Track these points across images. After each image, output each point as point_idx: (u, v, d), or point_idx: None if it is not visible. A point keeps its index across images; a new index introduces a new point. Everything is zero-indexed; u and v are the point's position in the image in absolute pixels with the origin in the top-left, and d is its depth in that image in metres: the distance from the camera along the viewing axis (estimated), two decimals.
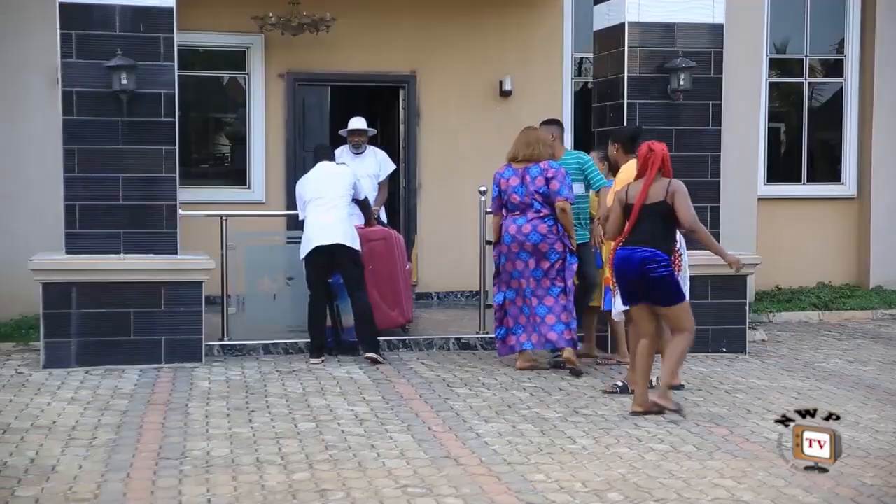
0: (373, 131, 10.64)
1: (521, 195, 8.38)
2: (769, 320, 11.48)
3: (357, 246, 8.88)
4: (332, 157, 9.29)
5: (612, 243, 7.28)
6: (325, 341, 8.95)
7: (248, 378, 8.21)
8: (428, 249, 11.55)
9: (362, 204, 9.23)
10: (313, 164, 9.19)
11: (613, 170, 8.41)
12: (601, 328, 9.20)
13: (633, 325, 7.37)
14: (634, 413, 7.03)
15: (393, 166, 10.64)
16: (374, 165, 10.33)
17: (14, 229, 10.25)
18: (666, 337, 7.26)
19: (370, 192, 10.01)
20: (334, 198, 8.86)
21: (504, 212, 8.53)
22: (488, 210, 8.88)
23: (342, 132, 10.36)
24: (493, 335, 9.57)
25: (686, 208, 6.96)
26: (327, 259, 8.80)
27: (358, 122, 10.31)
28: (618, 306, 7.79)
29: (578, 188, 8.69)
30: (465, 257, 10.76)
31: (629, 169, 7.67)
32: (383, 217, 10.49)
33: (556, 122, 9.11)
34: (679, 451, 6.27)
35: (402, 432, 6.61)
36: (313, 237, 8.76)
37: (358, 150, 10.19)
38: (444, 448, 6.26)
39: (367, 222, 9.37)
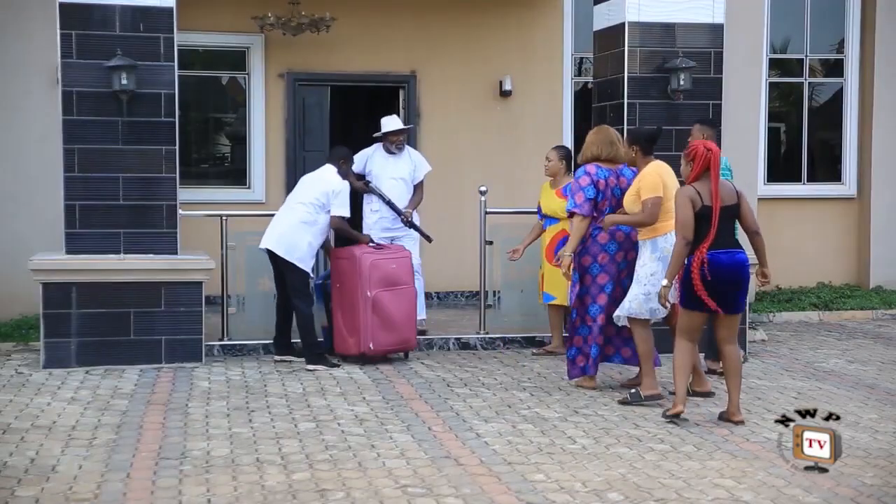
0: (410, 127, 10.09)
1: (620, 198, 7.67)
2: (769, 320, 11.48)
3: (290, 256, 8.57)
4: (335, 162, 8.91)
5: (678, 247, 6.73)
6: (287, 339, 8.85)
7: (248, 378, 8.22)
8: (428, 249, 11.53)
9: (337, 222, 8.67)
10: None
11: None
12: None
13: (686, 332, 6.85)
14: (674, 415, 6.81)
15: (429, 168, 9.84)
16: (407, 167, 9.66)
17: (14, 229, 10.25)
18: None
19: (402, 195, 9.55)
20: (294, 203, 8.76)
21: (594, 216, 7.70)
22: (573, 210, 7.66)
23: (377, 135, 9.72)
24: (493, 336, 9.63)
25: (752, 211, 6.94)
26: (275, 260, 8.77)
27: (394, 123, 9.68)
28: (628, 309, 7.46)
29: None
30: (465, 257, 10.76)
31: (655, 171, 7.48)
32: (416, 220, 9.69)
33: (708, 122, 8.69)
34: (679, 451, 6.28)
35: (402, 432, 6.61)
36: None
37: (400, 150, 9.59)
38: (444, 448, 6.26)
39: (352, 241, 8.87)
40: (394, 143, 9.62)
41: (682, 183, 7.11)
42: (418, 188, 9.77)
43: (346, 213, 8.72)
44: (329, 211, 8.68)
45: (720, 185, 6.72)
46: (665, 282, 6.84)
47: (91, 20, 8.50)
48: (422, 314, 9.63)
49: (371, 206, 9.64)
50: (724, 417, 6.93)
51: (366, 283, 8.63)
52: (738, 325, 6.94)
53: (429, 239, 9.73)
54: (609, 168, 7.76)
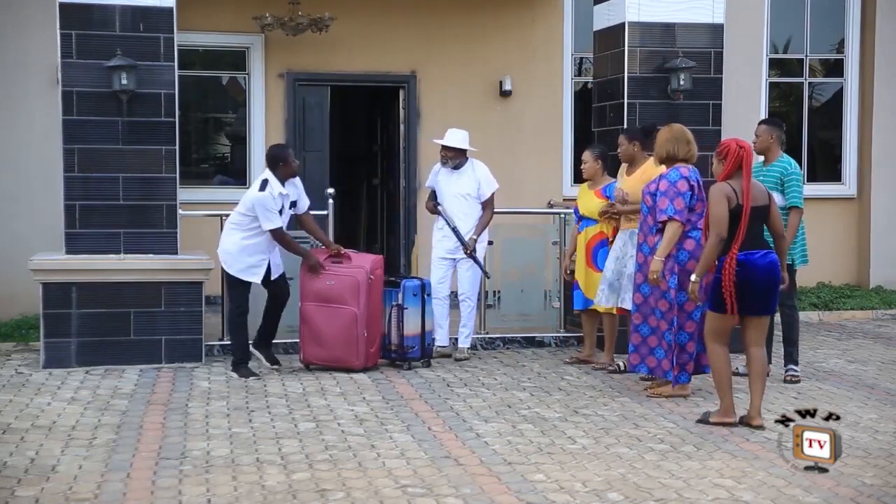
0: (472, 150, 9.05)
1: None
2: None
3: (226, 265, 8.24)
4: (269, 167, 8.33)
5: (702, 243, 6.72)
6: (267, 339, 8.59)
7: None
8: (428, 249, 11.52)
9: (275, 234, 8.16)
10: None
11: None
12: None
13: (717, 335, 6.74)
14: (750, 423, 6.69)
15: (496, 185, 9.01)
16: (470, 184, 8.92)
17: (14, 229, 10.26)
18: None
19: (465, 211, 8.90)
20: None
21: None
22: (673, 217, 7.27)
23: (435, 140, 9.28)
24: (493, 336, 9.63)
25: (779, 214, 6.87)
26: None
27: (450, 138, 8.97)
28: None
29: (779, 199, 7.90)
30: None
31: (650, 168, 7.55)
32: (480, 252, 8.96)
33: (772, 122, 8.59)
34: (679, 451, 6.28)
35: (402, 432, 6.61)
36: None
37: (447, 165, 8.97)
38: (444, 448, 6.26)
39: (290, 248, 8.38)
40: (443, 156, 9.07)
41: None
42: (486, 207, 8.98)
43: (272, 224, 8.08)
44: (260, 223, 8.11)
45: (753, 184, 6.64)
46: (694, 277, 6.74)
47: (91, 20, 8.50)
48: (465, 343, 9.08)
49: (437, 224, 9.12)
50: (744, 422, 6.78)
51: (301, 293, 8.50)
52: (767, 327, 6.95)
53: (486, 275, 9.16)
54: (692, 168, 7.46)
